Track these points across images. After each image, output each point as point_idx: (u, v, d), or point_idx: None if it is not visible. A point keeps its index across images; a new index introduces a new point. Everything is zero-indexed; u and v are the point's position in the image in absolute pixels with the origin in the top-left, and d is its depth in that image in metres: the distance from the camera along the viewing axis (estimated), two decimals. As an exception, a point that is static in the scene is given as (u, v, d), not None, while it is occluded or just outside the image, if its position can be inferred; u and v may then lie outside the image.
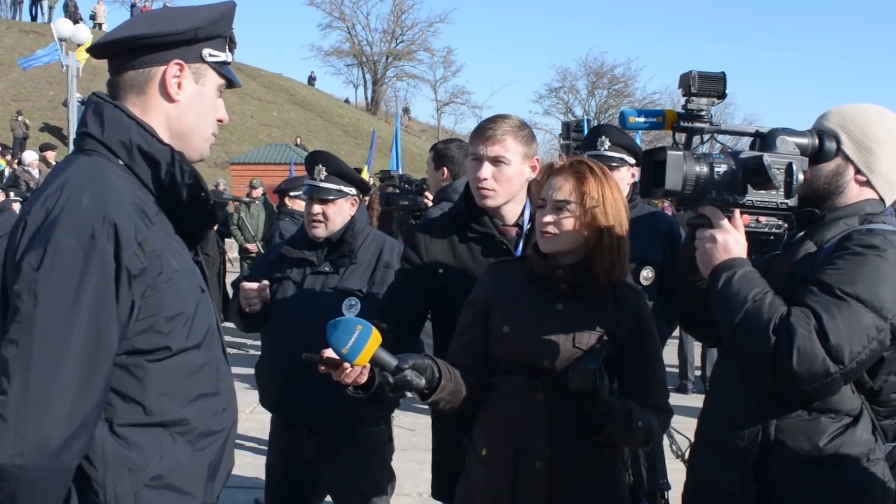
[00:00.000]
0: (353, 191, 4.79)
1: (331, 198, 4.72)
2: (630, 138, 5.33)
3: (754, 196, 2.89)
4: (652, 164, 2.94)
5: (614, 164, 5.06)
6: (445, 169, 6.31)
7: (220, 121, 2.71)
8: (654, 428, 3.23)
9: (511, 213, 3.77)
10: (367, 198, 10.88)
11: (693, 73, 2.91)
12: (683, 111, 2.96)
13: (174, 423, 2.43)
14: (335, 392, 3.52)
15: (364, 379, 3.11)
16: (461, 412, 3.24)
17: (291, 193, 9.76)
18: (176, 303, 2.40)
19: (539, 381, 3.16)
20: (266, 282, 4.70)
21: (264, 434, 5.47)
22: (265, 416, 5.17)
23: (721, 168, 2.86)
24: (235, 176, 36.66)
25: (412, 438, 8.43)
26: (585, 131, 19.34)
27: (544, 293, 3.25)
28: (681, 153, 2.84)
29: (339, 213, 4.76)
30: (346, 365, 3.03)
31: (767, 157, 2.80)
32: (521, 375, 3.19)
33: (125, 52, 2.54)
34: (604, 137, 5.19)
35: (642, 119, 3.01)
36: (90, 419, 2.23)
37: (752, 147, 3.02)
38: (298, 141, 42.40)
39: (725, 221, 2.92)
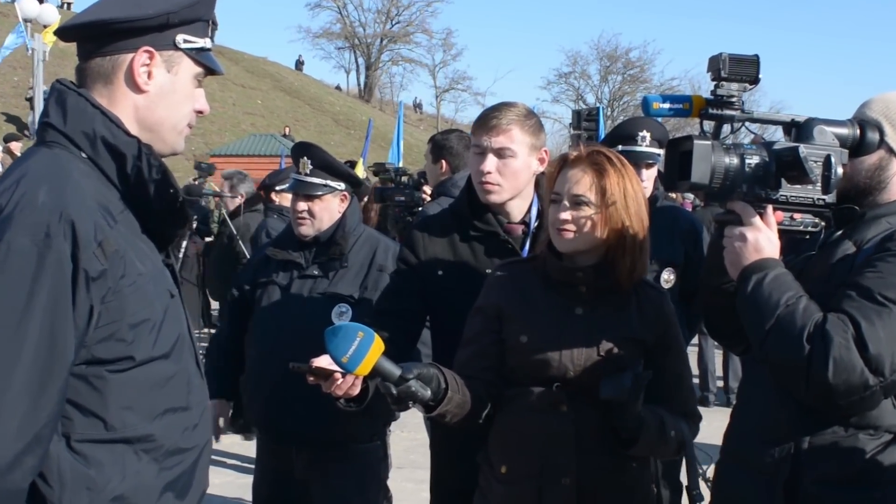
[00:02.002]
0: (341, 185, 4.77)
1: (317, 193, 4.70)
2: (667, 132, 5.26)
3: (788, 191, 2.87)
4: (677, 155, 2.92)
5: (651, 162, 5.02)
6: (444, 162, 6.32)
7: (199, 112, 2.70)
8: (686, 436, 3.25)
9: (517, 209, 3.77)
10: (365, 197, 10.87)
11: (724, 56, 2.89)
12: (712, 97, 2.94)
13: (138, 439, 2.41)
14: (325, 406, 3.50)
15: (357, 391, 3.10)
16: (467, 426, 3.23)
17: (278, 188, 9.75)
18: (141, 308, 2.39)
19: (562, 392, 3.16)
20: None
21: (247, 451, 5.47)
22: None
23: (753, 160, 2.84)
24: (218, 169, 36.70)
25: (409, 455, 8.44)
26: (601, 121, 19.39)
27: (562, 297, 3.25)
28: (709, 143, 2.82)
29: (327, 209, 4.74)
30: (337, 375, 3.02)
31: (804, 149, 2.78)
32: (541, 387, 3.18)
33: (93, 37, 2.53)
34: (646, 132, 5.07)
35: (667, 105, 2.99)
36: (44, 434, 2.21)
37: (786, 134, 3.00)
38: (287, 131, 42.43)
39: (757, 218, 2.90)
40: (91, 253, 2.25)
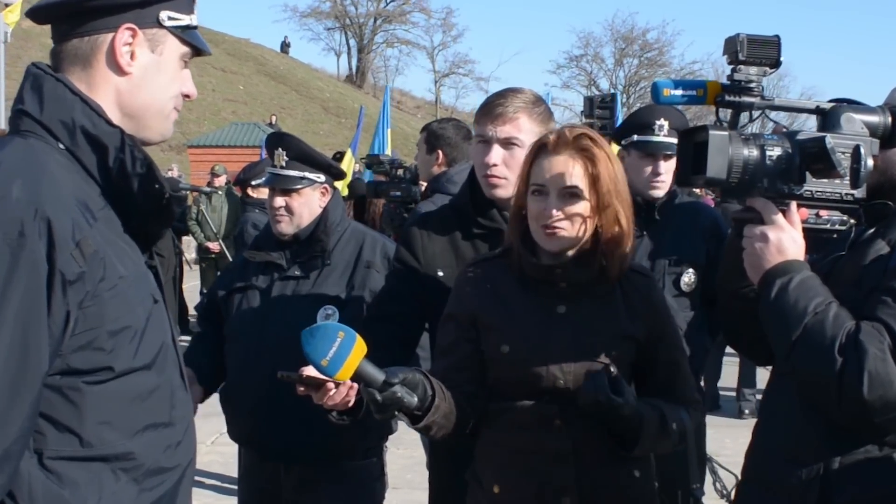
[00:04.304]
0: (321, 177, 4.73)
1: (295, 187, 4.67)
2: (687, 121, 5.23)
3: (814, 186, 2.83)
4: (691, 147, 2.90)
5: (670, 153, 4.98)
6: (440, 152, 6.26)
7: (186, 96, 2.69)
8: (687, 425, 3.27)
9: None
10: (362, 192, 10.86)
11: (741, 37, 2.86)
12: (729, 82, 2.91)
13: (117, 457, 2.41)
14: (315, 419, 3.50)
15: (351, 401, 3.10)
16: (453, 440, 3.23)
17: (254, 182, 9.77)
18: (121, 315, 2.38)
19: (554, 405, 3.15)
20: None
21: (228, 470, 5.46)
22: (229, 449, 5.16)
23: (774, 152, 2.81)
24: (194, 161, 36.78)
25: (405, 475, 8.43)
26: (618, 108, 19.34)
27: (540, 296, 3.24)
28: (726, 133, 2.79)
29: (307, 204, 4.69)
30: (330, 385, 3.01)
31: (831, 140, 2.74)
32: (530, 401, 3.18)
33: (69, 16, 2.52)
34: (664, 121, 4.98)
35: (679, 92, 2.97)
36: (14, 450, 2.20)
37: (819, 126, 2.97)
38: (273, 120, 42.38)
39: (779, 216, 2.85)
40: (68, 254, 2.24)
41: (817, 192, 2.84)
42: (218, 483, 8.18)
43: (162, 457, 2.52)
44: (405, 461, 8.83)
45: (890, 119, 2.91)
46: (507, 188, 3.66)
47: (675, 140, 4.94)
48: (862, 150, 2.76)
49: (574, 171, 3.15)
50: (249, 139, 37.06)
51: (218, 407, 4.83)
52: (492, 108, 3.68)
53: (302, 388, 3.08)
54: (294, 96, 55.47)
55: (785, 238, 2.84)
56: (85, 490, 2.35)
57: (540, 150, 3.23)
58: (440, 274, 3.76)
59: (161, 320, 2.57)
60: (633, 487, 3.25)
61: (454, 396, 3.16)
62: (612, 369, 3.03)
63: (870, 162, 2.78)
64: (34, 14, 2.59)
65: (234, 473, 5.17)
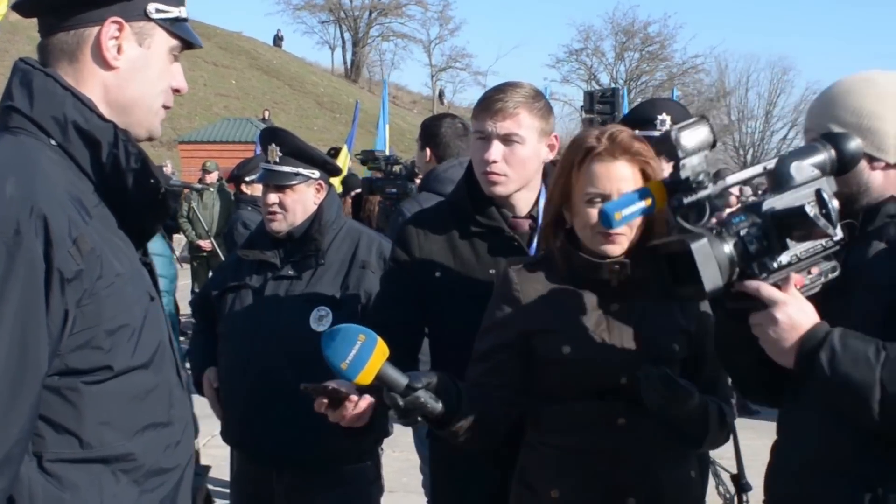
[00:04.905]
0: (315, 174, 4.74)
1: (288, 183, 4.68)
2: (689, 114, 5.19)
3: (797, 249, 2.79)
4: (663, 258, 2.84)
5: None
6: (429, 150, 6.28)
7: (176, 91, 2.69)
8: (732, 421, 3.33)
9: (524, 202, 3.75)
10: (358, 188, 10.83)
11: (674, 135, 2.79)
12: (675, 181, 2.82)
13: (117, 458, 2.41)
14: (308, 422, 3.48)
15: (366, 419, 3.08)
16: (479, 447, 3.22)
17: (247, 178, 9.76)
18: (119, 313, 2.38)
19: (618, 403, 3.17)
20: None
21: (220, 473, 5.44)
22: (221, 451, 5.15)
23: (748, 230, 2.75)
24: (185, 157, 36.76)
25: (401, 478, 8.42)
26: (625, 102, 19.29)
27: (594, 295, 3.26)
28: (705, 240, 2.70)
29: (301, 201, 4.70)
30: (353, 398, 2.98)
31: (811, 209, 2.68)
32: (593, 400, 3.19)
33: (54, 9, 2.52)
34: (666, 115, 4.96)
35: (629, 210, 2.83)
36: (14, 453, 2.21)
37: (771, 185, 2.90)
38: (266, 115, 42.35)
39: (778, 293, 2.78)
40: (66, 252, 2.25)
41: (802, 252, 2.80)
42: (210, 486, 8.16)
43: (162, 457, 2.53)
44: (401, 464, 8.81)
45: (833, 151, 2.88)
46: (507, 185, 3.66)
47: None
48: (825, 195, 2.73)
49: (629, 177, 3.18)
50: (242, 135, 37.06)
51: (209, 409, 4.82)
52: (491, 103, 3.66)
53: (325, 402, 3.06)
54: (287, 91, 55.47)
55: (793, 312, 2.79)
56: (86, 493, 2.36)
57: (589, 155, 3.22)
58: (437, 274, 3.74)
59: (158, 318, 2.57)
60: (692, 488, 3.31)
61: (487, 402, 3.18)
62: (665, 369, 3.05)
63: (835, 202, 2.73)
64: (20, 7, 2.60)
65: (227, 476, 5.16)
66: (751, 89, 75.60)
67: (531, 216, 3.75)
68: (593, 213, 3.18)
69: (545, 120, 3.71)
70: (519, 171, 3.66)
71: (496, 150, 3.62)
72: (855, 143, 2.91)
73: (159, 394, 2.52)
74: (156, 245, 6.82)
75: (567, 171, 3.27)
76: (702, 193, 2.76)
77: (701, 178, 2.76)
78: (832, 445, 2.92)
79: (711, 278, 2.68)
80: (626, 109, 18.37)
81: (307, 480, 4.58)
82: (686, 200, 2.77)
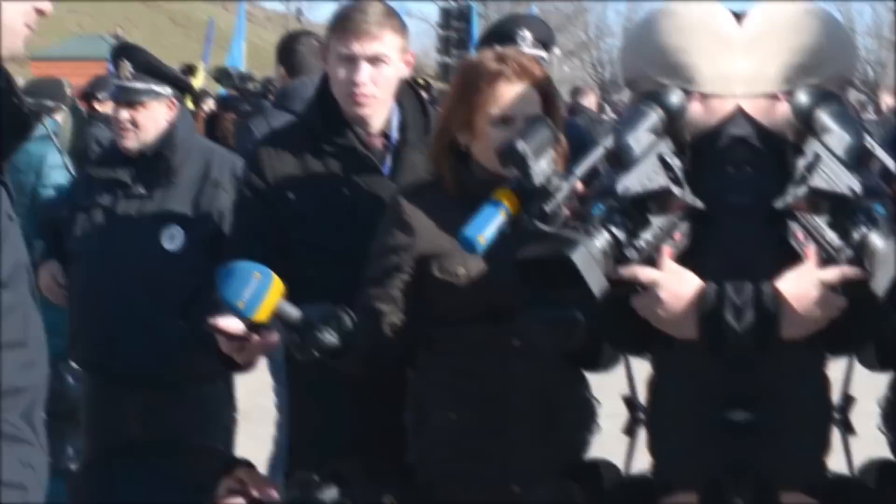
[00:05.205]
0: (167, 90, 4.69)
1: (140, 100, 4.62)
2: (552, 33, 5.22)
3: (658, 220, 2.76)
4: (530, 267, 2.79)
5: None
6: (283, 70, 6.26)
7: (40, 11, 2.62)
8: None
9: (378, 120, 3.71)
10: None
11: (519, 146, 2.78)
12: (529, 189, 2.82)
13: None
14: (158, 339, 3.47)
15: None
16: (371, 374, 3.24)
17: (100, 95, 9.61)
18: None
19: (513, 325, 3.15)
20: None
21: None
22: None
23: (610, 218, 2.72)
24: (38, 75, 35.70)
25: (256, 399, 8.38)
26: (474, 21, 19.33)
27: None
28: (580, 245, 2.63)
29: (153, 118, 4.64)
30: (251, 338, 2.99)
31: (664, 179, 2.72)
32: (486, 323, 3.19)
33: None
34: (526, 31, 5.01)
35: (490, 230, 2.83)
36: None
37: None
38: (120, 32, 41.54)
39: (652, 272, 2.74)
40: None
41: (662, 223, 2.77)
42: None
43: (17, 377, 2.50)
44: (255, 384, 8.78)
45: (660, 110, 2.84)
46: (373, 106, 3.63)
47: (539, 51, 4.96)
48: (668, 159, 2.76)
49: (531, 97, 3.19)
50: (94, 51, 36.13)
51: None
52: (356, 23, 3.58)
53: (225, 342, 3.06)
54: (140, 8, 54.33)
55: (675, 285, 2.76)
56: None
57: (496, 77, 3.20)
58: (290, 197, 3.67)
59: (17, 239, 2.53)
60: (588, 409, 3.35)
61: (380, 328, 3.18)
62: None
63: (676, 161, 2.76)
64: None
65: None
66: (609, 5, 75.96)
67: (384, 134, 3.73)
68: (499, 134, 3.14)
69: (405, 37, 3.70)
70: (386, 91, 3.64)
71: (365, 71, 3.58)
72: (677, 97, 2.85)
73: (15, 313, 2.48)
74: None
75: (467, 96, 3.25)
76: (559, 196, 2.78)
77: (553, 180, 2.78)
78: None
79: (597, 282, 2.63)
80: (474, 27, 18.35)
81: (159, 401, 4.57)
82: (547, 208, 2.77)
